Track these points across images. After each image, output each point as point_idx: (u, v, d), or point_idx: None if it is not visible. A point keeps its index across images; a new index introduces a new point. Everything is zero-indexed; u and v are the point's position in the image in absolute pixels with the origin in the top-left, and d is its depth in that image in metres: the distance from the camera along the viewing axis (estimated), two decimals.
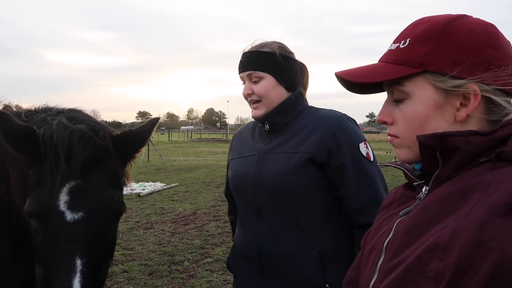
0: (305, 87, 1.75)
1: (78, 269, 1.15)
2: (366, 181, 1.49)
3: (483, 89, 0.75)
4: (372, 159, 1.53)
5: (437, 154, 0.76)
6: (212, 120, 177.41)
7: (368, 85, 0.87)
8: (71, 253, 1.17)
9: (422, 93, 0.79)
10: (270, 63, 1.59)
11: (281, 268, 1.52)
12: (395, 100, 0.84)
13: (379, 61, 0.88)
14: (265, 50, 1.61)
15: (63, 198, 1.21)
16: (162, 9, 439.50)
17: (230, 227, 2.00)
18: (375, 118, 0.92)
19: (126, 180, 1.51)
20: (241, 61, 1.63)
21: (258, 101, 1.61)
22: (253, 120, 1.72)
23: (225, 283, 4.52)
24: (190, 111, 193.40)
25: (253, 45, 1.65)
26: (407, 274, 0.70)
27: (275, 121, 1.62)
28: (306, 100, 1.70)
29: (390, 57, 0.84)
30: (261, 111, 1.60)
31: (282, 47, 1.64)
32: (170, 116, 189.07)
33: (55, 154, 1.22)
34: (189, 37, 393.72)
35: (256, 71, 1.59)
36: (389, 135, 0.88)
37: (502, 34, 0.80)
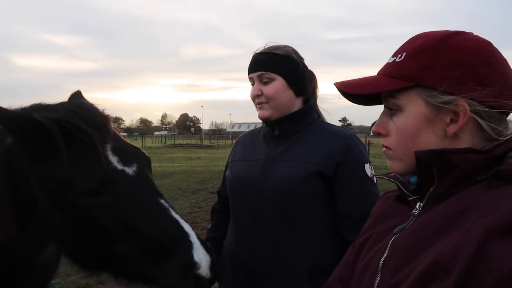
0: (314, 94, 1.74)
1: (168, 205, 1.27)
2: (367, 199, 1.51)
3: (473, 107, 0.76)
4: (375, 181, 1.56)
5: (433, 170, 0.76)
6: (186, 125, 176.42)
7: (367, 96, 0.89)
8: (156, 198, 1.26)
9: (414, 107, 0.81)
10: (283, 66, 1.59)
11: (274, 277, 1.50)
12: (390, 113, 0.86)
13: (377, 74, 0.90)
14: (278, 53, 1.60)
15: (114, 159, 1.27)
16: (134, 13, 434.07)
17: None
18: (371, 128, 0.91)
19: None
20: (252, 61, 1.61)
21: (265, 102, 1.59)
22: (258, 125, 1.71)
23: None
24: (164, 117, 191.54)
25: (266, 47, 1.64)
26: None
27: (286, 127, 1.61)
28: (319, 112, 1.72)
29: (386, 70, 0.86)
30: (267, 112, 1.59)
31: (295, 51, 1.64)
32: (144, 121, 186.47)
33: (81, 130, 1.25)
34: (162, 42, 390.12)
35: (268, 72, 1.58)
36: (383, 146, 0.89)
37: (498, 52, 0.81)
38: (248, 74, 1.63)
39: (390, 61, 0.86)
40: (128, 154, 1.31)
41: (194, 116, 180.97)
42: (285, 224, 1.50)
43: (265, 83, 1.58)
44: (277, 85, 1.58)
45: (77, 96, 1.53)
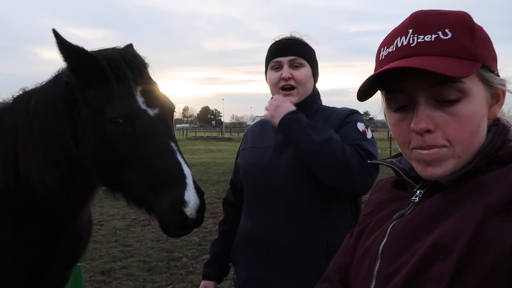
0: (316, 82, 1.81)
1: (177, 149, 1.46)
2: (357, 143, 1.52)
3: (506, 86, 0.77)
4: (368, 137, 1.57)
5: None
6: (208, 118, 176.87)
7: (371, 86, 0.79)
8: (167, 140, 1.44)
9: (478, 90, 0.72)
10: (311, 55, 1.70)
11: (288, 255, 1.54)
12: (441, 102, 0.72)
13: (414, 56, 0.72)
14: (305, 41, 1.70)
15: (140, 99, 1.46)
16: (155, 7, 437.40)
17: None
18: (415, 127, 0.72)
19: None
20: (282, 46, 1.67)
21: (292, 88, 1.65)
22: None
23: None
24: (185, 109, 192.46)
25: (293, 35, 1.71)
26: (410, 279, 0.68)
27: None
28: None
29: (440, 49, 0.71)
30: (294, 99, 1.65)
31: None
32: None
33: (122, 69, 1.45)
34: (182, 35, 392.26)
35: (301, 58, 1.65)
36: (429, 147, 0.73)
37: None
38: (275, 58, 1.66)
39: (429, 39, 0.72)
40: (154, 98, 1.50)
41: (215, 109, 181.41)
42: (297, 203, 1.56)
43: (296, 68, 1.64)
44: (307, 71, 1.66)
45: (129, 47, 1.73)
